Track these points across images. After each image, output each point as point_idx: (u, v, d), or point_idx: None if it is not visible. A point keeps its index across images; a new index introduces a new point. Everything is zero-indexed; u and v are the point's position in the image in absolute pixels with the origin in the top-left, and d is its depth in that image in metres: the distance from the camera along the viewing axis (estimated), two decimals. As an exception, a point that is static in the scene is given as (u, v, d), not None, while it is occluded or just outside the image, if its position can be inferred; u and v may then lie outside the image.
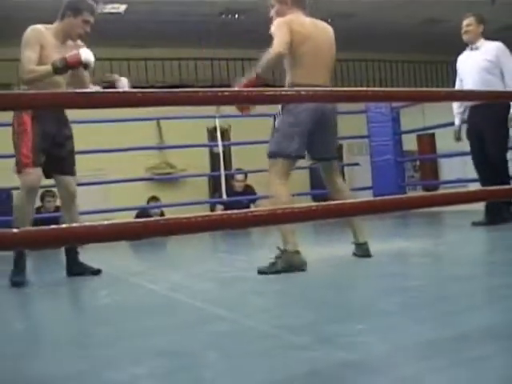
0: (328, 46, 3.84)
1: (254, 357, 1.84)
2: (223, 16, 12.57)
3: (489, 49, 5.39)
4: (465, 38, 5.49)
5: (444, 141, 11.44)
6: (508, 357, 1.63)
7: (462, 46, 5.65)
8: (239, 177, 8.80)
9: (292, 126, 3.62)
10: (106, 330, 2.36)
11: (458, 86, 5.62)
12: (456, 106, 5.71)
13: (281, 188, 3.62)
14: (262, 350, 1.91)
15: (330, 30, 3.93)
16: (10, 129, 3.89)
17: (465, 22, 5.46)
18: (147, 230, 1.63)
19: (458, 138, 5.90)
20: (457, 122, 5.79)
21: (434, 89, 9.45)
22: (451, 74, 15.35)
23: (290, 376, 1.64)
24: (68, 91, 3.41)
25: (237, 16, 12.82)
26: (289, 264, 3.42)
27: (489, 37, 5.53)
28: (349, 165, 11.51)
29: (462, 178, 14.46)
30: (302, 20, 3.80)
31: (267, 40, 4.13)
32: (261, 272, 3.42)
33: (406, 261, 3.83)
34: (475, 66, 5.32)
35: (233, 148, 10.44)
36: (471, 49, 5.50)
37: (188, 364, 1.81)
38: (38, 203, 7.78)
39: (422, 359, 1.66)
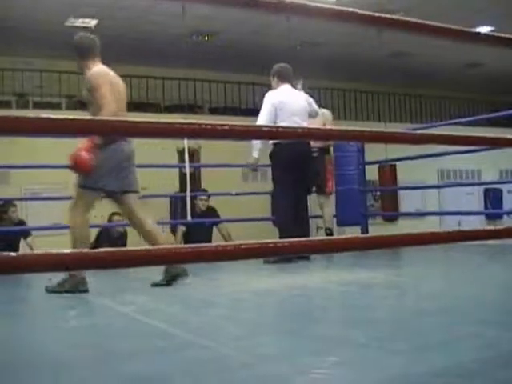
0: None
1: (232, 386, 1.85)
2: (194, 37, 12.64)
3: None
4: None
5: (405, 172, 11.69)
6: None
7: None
8: (202, 196, 8.82)
9: None
10: (78, 353, 2.34)
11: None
12: (258, 142, 6.11)
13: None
14: (239, 380, 1.91)
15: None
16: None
17: None
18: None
19: (255, 169, 6.60)
20: (256, 155, 6.20)
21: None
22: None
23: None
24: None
25: (207, 38, 12.93)
26: (74, 287, 3.91)
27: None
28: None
29: (421, 210, 14.77)
30: None
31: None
32: (49, 290, 3.95)
33: (372, 292, 3.86)
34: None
35: (202, 169, 10.42)
36: None
37: (166, 391, 1.81)
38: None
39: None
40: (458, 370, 1.89)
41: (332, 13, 2.16)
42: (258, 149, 6.14)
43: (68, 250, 1.50)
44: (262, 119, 5.99)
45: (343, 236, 1.84)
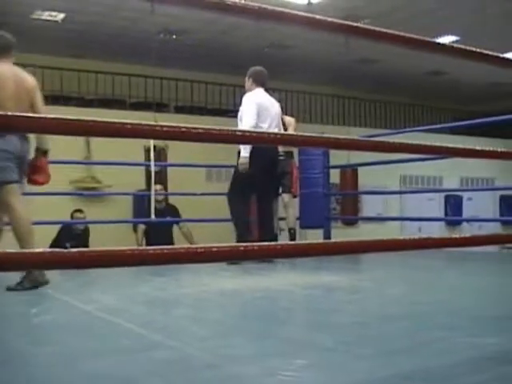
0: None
1: (199, 387, 1.85)
2: (162, 35, 12.58)
3: None
4: None
5: (367, 176, 11.81)
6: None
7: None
8: (158, 188, 8.77)
9: None
10: (43, 351, 2.31)
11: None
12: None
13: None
14: (205, 380, 1.91)
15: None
16: None
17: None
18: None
19: (247, 170, 6.30)
20: (247, 154, 5.98)
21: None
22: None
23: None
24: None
25: (175, 36, 12.89)
26: (34, 282, 3.87)
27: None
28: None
29: (382, 214, 14.93)
30: None
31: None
32: (10, 289, 3.85)
33: (336, 296, 3.90)
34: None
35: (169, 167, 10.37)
36: None
37: (133, 392, 1.80)
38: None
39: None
40: (424, 375, 1.91)
41: (301, 19, 2.16)
42: (247, 148, 5.95)
43: (45, 250, 1.48)
44: (251, 121, 5.88)
45: (315, 241, 1.85)
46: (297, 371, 1.94)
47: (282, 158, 6.88)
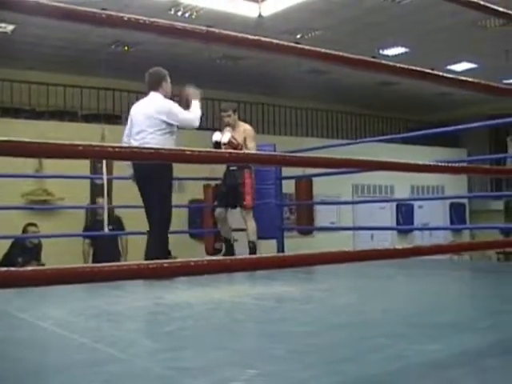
0: None
1: (152, 400, 1.89)
2: (113, 47, 12.56)
3: None
4: None
5: (321, 186, 11.97)
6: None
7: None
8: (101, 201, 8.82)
9: None
10: (9, 367, 2.33)
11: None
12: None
13: None
14: (159, 393, 1.96)
15: None
16: None
17: None
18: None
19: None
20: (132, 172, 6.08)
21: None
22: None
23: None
24: None
25: (126, 48, 12.88)
26: None
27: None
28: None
29: (336, 223, 15.10)
30: None
31: None
32: None
33: (287, 306, 3.97)
34: None
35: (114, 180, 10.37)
36: None
37: (87, 405, 1.84)
38: None
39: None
40: (369, 381, 2.00)
41: (249, 42, 2.21)
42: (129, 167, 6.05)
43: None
44: (124, 136, 5.96)
45: (268, 255, 1.91)
46: (248, 381, 2.00)
47: (233, 168, 6.87)
